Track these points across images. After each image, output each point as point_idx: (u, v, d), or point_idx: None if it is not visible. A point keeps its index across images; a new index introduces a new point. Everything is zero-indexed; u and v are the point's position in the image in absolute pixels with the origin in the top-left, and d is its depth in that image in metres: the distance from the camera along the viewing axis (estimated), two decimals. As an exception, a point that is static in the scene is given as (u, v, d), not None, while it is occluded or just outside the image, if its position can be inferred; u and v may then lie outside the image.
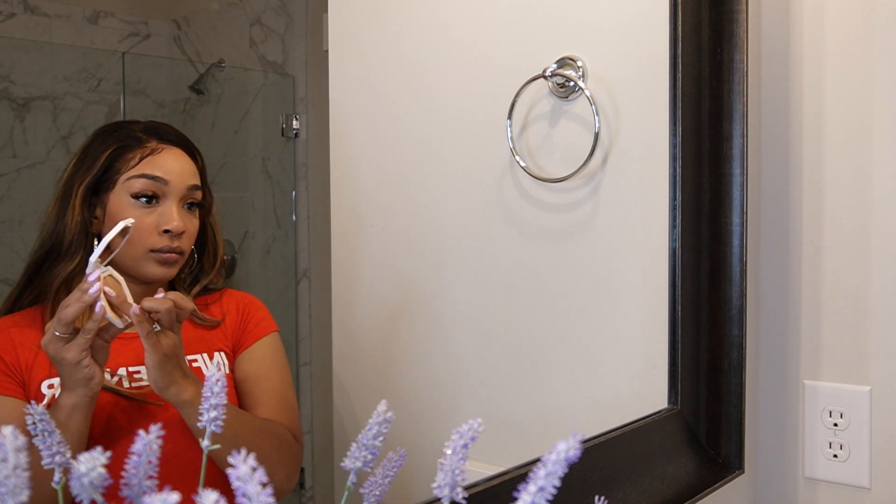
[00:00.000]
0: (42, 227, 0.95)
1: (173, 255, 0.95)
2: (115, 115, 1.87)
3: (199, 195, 0.99)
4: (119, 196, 0.94)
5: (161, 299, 0.85)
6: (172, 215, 0.95)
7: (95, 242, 0.94)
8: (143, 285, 0.96)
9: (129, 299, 0.83)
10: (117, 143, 0.96)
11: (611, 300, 1.03)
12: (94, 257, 0.81)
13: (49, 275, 0.93)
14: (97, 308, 0.80)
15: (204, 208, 1.02)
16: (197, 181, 0.99)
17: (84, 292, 0.80)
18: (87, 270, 0.82)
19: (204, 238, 1.04)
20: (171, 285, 1.03)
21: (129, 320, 0.82)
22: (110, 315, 0.81)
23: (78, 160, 0.96)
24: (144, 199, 0.94)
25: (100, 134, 0.98)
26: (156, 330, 0.85)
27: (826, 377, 1.06)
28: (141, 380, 0.94)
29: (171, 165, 0.96)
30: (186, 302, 0.87)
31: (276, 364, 1.06)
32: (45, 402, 0.88)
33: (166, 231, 0.94)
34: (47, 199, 0.97)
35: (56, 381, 0.89)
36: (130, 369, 0.94)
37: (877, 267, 1.01)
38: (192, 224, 0.99)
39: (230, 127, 1.95)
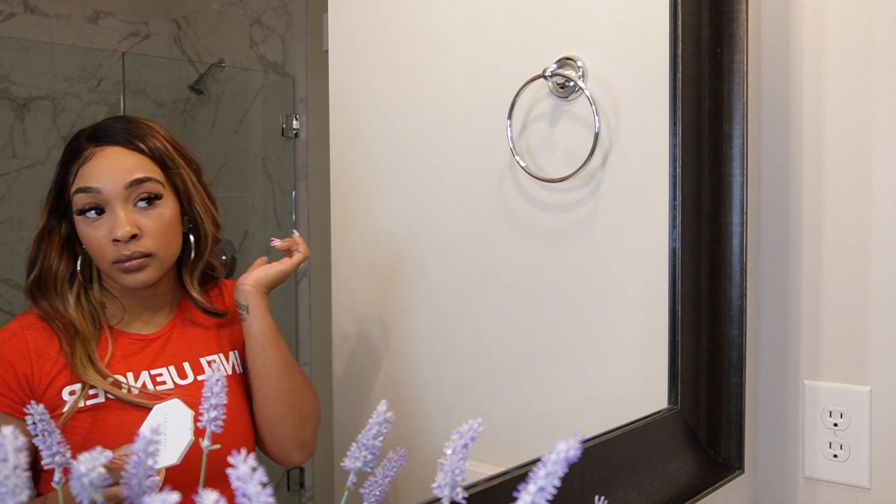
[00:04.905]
0: (29, 246, 0.94)
1: (134, 261, 0.91)
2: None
3: (151, 188, 0.92)
4: (75, 215, 0.92)
5: (303, 245, 1.03)
6: (117, 222, 0.89)
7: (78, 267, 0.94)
8: (143, 289, 0.95)
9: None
10: (65, 158, 0.93)
11: (611, 300, 1.03)
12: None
13: (46, 300, 0.92)
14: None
15: (178, 194, 0.96)
16: (142, 174, 0.92)
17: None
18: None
19: (193, 220, 0.99)
20: (178, 272, 1.01)
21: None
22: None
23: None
24: (90, 214, 0.90)
25: (64, 149, 0.94)
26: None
27: (826, 377, 1.06)
28: (164, 382, 0.93)
29: (101, 170, 0.90)
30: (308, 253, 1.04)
31: None
32: (66, 408, 0.86)
33: (116, 240, 0.90)
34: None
35: (77, 386, 0.87)
36: (152, 372, 0.93)
37: (877, 266, 1.01)
38: (152, 221, 0.92)
39: (230, 127, 1.95)
